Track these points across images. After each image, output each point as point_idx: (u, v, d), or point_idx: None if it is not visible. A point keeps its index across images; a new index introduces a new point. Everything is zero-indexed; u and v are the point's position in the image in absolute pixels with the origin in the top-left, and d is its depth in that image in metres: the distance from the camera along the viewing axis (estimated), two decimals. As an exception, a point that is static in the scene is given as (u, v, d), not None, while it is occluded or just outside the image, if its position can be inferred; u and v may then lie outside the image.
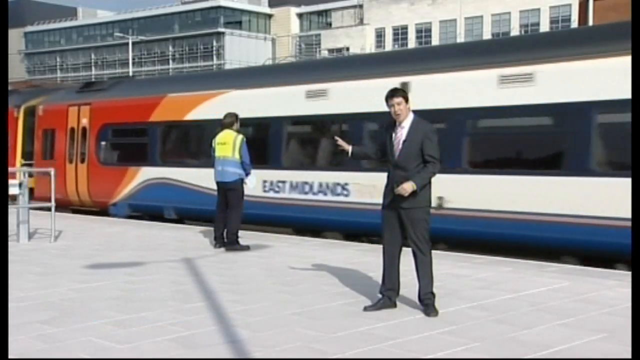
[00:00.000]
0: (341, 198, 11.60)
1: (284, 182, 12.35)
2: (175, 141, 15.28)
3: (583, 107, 9.14)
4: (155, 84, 17.64)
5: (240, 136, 10.23)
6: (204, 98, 13.98)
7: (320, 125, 12.34)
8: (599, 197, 8.71)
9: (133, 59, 69.30)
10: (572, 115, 9.30)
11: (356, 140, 10.17)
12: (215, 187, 10.30)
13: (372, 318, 5.98)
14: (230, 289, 7.30)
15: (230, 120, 10.35)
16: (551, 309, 6.31)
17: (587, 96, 9.11)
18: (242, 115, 10.66)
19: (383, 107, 6.33)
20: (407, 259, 6.36)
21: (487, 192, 9.89)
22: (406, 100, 6.13)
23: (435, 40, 59.25)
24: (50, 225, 11.17)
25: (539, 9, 56.34)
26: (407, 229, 6.13)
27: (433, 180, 6.09)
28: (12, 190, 10.98)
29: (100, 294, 7.06)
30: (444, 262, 8.85)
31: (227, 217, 10.15)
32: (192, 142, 14.96)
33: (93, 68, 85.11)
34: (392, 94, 6.15)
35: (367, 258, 9.13)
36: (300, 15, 78.74)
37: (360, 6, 66.14)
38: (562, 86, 9.41)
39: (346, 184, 11.56)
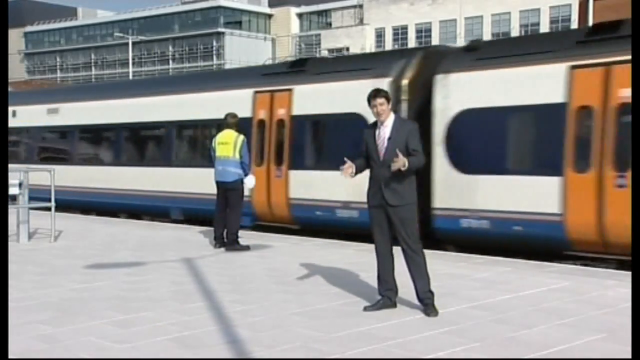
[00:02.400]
0: None
1: None
2: None
3: (74, 128, 17.20)
4: None
5: (242, 136, 10.24)
6: None
7: None
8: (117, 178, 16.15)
9: (133, 59, 69.26)
10: (68, 132, 17.43)
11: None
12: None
13: (372, 318, 5.98)
14: (230, 289, 7.31)
15: (232, 121, 10.35)
16: (551, 309, 6.31)
17: (77, 122, 17.21)
18: None
19: None
20: (399, 260, 6.34)
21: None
22: (388, 100, 6.21)
23: (435, 40, 59.22)
24: (50, 225, 11.17)
25: (539, 9, 56.32)
26: (396, 228, 6.14)
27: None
28: (12, 190, 10.97)
29: (100, 294, 7.06)
30: (443, 262, 8.87)
31: (227, 217, 10.15)
32: None
33: (93, 68, 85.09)
34: (375, 94, 6.21)
35: (367, 258, 9.11)
36: (300, 15, 78.70)
37: (360, 6, 66.11)
38: (76, 116, 17.16)
39: None
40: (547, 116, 9.76)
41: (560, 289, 7.24)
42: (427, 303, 6.16)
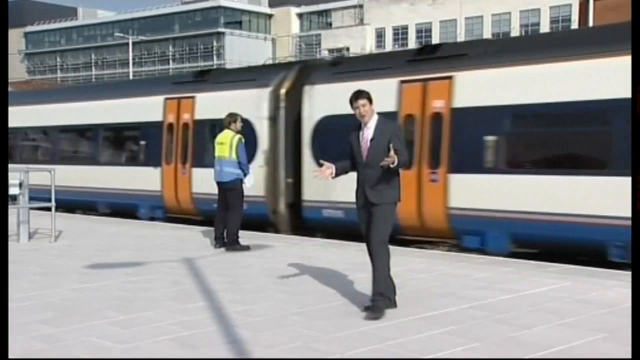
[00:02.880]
0: None
1: None
2: None
3: (18, 130, 18.84)
4: None
5: (238, 136, 10.22)
6: None
7: None
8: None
9: (133, 59, 69.25)
10: (13, 134, 18.52)
11: None
12: None
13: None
14: (231, 289, 7.31)
15: (229, 120, 10.36)
16: (551, 309, 6.31)
17: (18, 125, 18.43)
18: None
19: None
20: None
21: None
22: (370, 101, 6.20)
23: (435, 40, 59.21)
24: (50, 225, 11.18)
25: (539, 9, 56.31)
26: (373, 223, 6.11)
27: None
28: (12, 190, 10.98)
29: (100, 294, 7.06)
30: (443, 262, 8.87)
31: (227, 217, 10.15)
32: None
33: (93, 68, 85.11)
34: (357, 96, 6.20)
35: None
36: (300, 15, 78.71)
37: (361, 6, 66.10)
38: (17, 119, 17.86)
39: None
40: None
41: (560, 289, 7.24)
42: (374, 305, 6.02)
